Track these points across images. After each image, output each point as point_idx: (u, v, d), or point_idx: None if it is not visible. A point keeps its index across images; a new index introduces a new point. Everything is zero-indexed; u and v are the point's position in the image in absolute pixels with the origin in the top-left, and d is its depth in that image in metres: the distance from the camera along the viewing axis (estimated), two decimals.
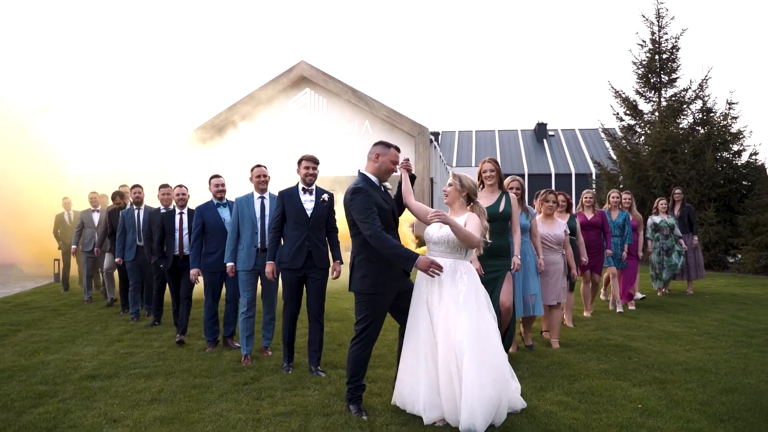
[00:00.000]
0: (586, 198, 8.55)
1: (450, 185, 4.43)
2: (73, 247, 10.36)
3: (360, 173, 4.47)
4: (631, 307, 8.99)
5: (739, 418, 4.16)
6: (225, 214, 6.56)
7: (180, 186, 7.24)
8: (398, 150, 4.48)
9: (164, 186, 7.79)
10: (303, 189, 5.55)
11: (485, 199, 5.62)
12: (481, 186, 5.73)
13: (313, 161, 5.57)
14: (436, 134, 35.04)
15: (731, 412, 4.28)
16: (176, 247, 7.06)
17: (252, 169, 6.23)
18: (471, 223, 4.22)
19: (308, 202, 5.51)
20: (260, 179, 6.16)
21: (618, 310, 8.65)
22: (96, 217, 10.36)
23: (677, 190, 11.19)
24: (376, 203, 4.23)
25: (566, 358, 5.98)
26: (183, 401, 4.71)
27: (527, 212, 6.16)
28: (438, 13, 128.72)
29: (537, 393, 4.81)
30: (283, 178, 8.03)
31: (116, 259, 8.62)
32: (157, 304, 7.94)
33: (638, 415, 4.26)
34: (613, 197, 9.12)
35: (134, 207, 8.54)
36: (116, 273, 9.39)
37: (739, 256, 14.87)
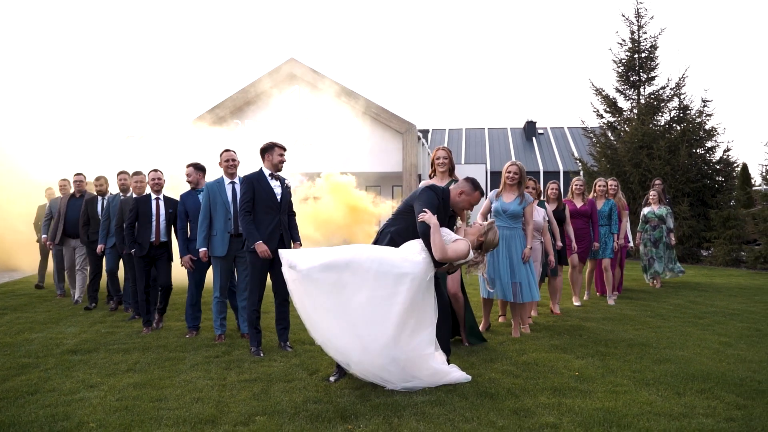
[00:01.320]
0: (576, 185, 8.37)
1: (480, 223, 4.82)
2: (45, 237, 9.60)
3: (449, 186, 5.00)
4: (611, 302, 8.47)
5: (663, 382, 4.55)
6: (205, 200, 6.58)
7: (155, 171, 7.07)
8: (483, 194, 4.94)
9: (137, 173, 7.75)
10: (270, 175, 5.77)
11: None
12: (432, 173, 6.08)
13: (285, 149, 5.87)
14: (426, 132, 35.45)
15: (658, 378, 4.67)
16: (153, 234, 6.91)
17: (221, 154, 6.38)
18: (457, 242, 4.52)
19: (277, 188, 5.76)
20: (229, 163, 6.32)
21: (585, 297, 8.97)
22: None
23: (657, 181, 11.12)
24: (437, 208, 4.69)
25: (521, 335, 6.34)
26: (156, 371, 5.07)
27: (522, 198, 6.28)
28: (428, 11, 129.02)
29: (485, 364, 5.18)
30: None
31: (99, 246, 8.25)
32: (134, 297, 7.54)
33: (573, 380, 4.64)
34: (599, 186, 8.74)
35: (121, 195, 8.19)
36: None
37: (712, 249, 15.31)
